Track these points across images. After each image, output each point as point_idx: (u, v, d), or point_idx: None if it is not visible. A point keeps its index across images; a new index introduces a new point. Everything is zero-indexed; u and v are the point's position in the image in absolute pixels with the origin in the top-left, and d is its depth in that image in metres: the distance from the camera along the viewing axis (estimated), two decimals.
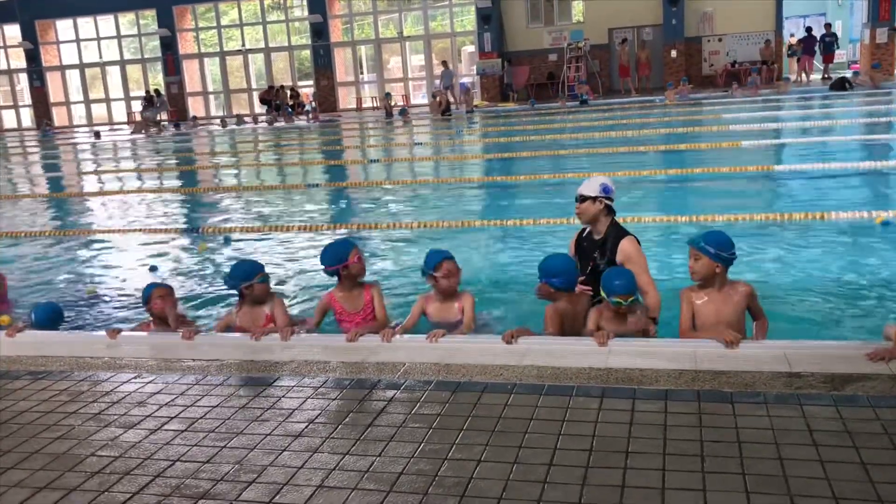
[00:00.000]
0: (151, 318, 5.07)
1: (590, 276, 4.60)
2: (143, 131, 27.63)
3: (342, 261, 4.72)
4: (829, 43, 25.98)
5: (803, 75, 26.13)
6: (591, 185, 4.63)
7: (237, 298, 4.94)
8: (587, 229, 4.77)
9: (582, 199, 4.63)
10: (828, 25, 26.48)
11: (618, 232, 4.63)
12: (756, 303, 4.12)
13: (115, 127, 31.77)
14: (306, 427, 3.22)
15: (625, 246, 4.53)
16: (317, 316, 4.94)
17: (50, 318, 5.15)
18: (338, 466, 2.86)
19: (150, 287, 5.11)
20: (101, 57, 34.13)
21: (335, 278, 4.84)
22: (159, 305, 4.95)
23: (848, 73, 25.36)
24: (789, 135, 14.76)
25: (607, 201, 4.62)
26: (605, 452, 2.82)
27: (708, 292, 4.07)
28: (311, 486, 2.74)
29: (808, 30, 26.51)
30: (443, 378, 3.65)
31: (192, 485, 2.81)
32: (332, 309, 4.87)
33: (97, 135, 27.23)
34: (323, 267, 4.82)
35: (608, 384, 3.44)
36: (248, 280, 4.80)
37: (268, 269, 4.98)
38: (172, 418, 3.41)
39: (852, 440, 2.79)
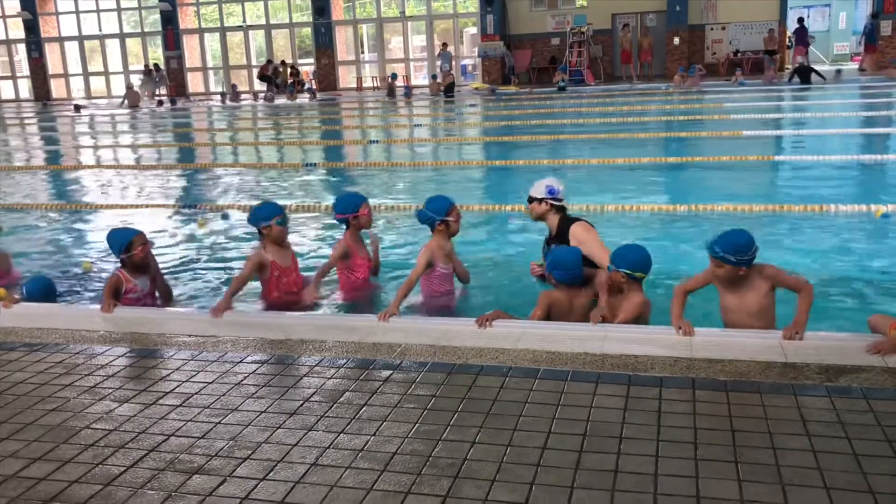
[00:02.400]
0: (123, 268, 4.95)
1: None
2: (137, 104, 27.50)
3: (354, 210, 5.16)
4: (871, 33, 24.66)
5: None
6: (538, 188, 5.00)
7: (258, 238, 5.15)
8: (548, 231, 5.08)
9: (530, 199, 5.02)
10: (875, 15, 25.12)
11: (567, 223, 4.94)
12: (785, 279, 3.93)
13: (113, 100, 31.56)
14: (301, 405, 3.23)
15: (574, 231, 4.85)
16: (334, 258, 5.18)
17: (41, 291, 5.12)
18: (332, 445, 2.87)
19: (130, 234, 4.98)
20: (100, 29, 33.88)
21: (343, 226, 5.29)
22: (141, 252, 4.91)
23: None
24: (795, 125, 14.72)
25: (553, 202, 4.96)
26: (598, 437, 2.83)
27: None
28: (306, 463, 2.75)
29: (800, 20, 26.18)
30: (439, 360, 3.66)
31: (187, 460, 2.81)
32: (349, 250, 5.17)
33: (77, 108, 26.91)
34: (335, 214, 5.27)
35: (603, 370, 3.45)
36: (268, 220, 4.99)
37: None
38: (167, 393, 3.42)
39: (845, 431, 2.80)
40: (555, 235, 4.97)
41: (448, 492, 2.52)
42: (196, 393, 3.41)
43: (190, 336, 4.16)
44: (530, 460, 2.69)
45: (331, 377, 3.51)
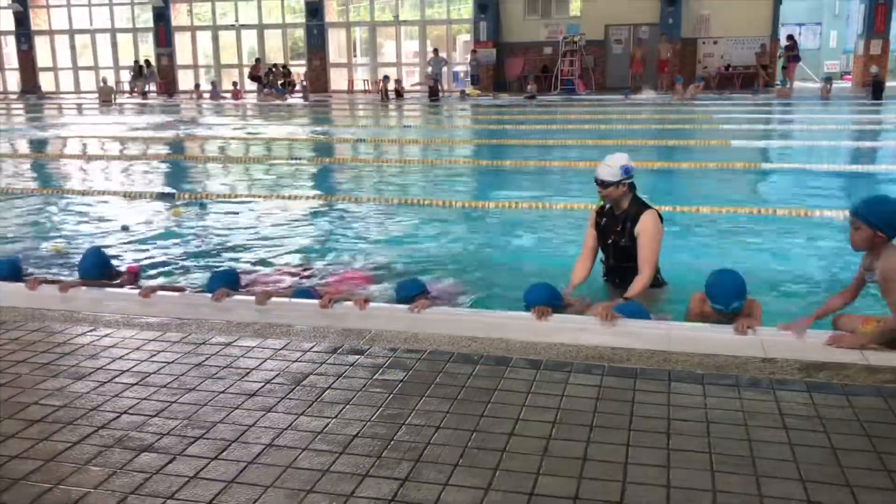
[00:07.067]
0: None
1: (611, 252, 4.69)
2: (109, 101, 27.28)
3: None
4: None
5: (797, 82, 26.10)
6: (612, 171, 4.53)
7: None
8: (608, 204, 4.70)
9: (605, 184, 4.56)
10: None
11: (639, 207, 4.61)
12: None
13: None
14: (262, 387, 3.10)
15: (645, 219, 4.52)
16: None
17: (8, 270, 4.98)
18: (290, 426, 2.75)
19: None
20: (91, 24, 33.59)
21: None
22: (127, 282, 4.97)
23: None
24: (796, 137, 14.73)
25: (629, 181, 4.58)
26: (568, 425, 2.72)
27: None
28: (261, 444, 2.62)
29: (789, 38, 26.22)
30: (409, 346, 3.54)
31: (136, 437, 2.68)
32: None
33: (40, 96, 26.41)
34: None
35: (577, 360, 3.34)
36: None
37: (241, 238, 4.86)
38: (124, 372, 3.28)
39: (823, 426, 2.71)
40: (620, 215, 4.61)
41: (407, 475, 2.40)
42: (154, 372, 3.28)
43: (154, 317, 4.02)
44: (496, 446, 2.57)
45: (295, 360, 3.38)
